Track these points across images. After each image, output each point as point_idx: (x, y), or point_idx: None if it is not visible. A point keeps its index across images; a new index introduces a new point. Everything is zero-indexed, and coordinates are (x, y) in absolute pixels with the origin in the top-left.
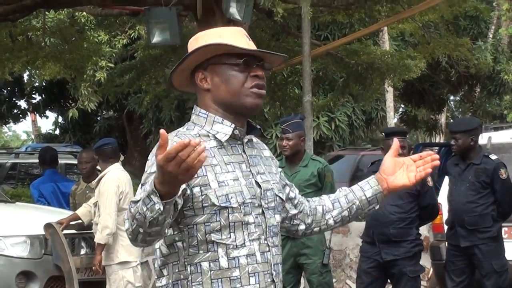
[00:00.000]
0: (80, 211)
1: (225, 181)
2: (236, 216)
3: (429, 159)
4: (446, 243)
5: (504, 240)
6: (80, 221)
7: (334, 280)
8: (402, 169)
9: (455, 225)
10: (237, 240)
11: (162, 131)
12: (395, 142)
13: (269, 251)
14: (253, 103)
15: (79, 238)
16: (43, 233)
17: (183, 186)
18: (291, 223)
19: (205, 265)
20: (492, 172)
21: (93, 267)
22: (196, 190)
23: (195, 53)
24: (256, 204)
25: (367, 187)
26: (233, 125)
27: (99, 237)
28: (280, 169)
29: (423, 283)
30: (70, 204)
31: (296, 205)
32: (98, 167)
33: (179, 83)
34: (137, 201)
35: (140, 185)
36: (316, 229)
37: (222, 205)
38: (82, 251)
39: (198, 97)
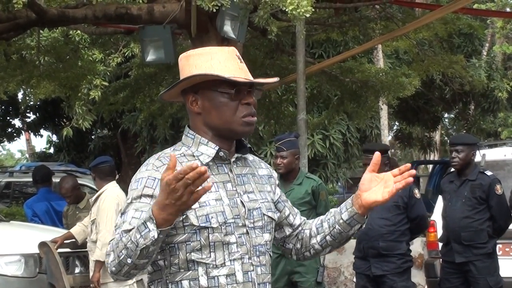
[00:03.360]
0: (74, 230)
1: (206, 201)
2: (216, 236)
3: (406, 175)
4: (441, 260)
5: (498, 257)
6: (74, 239)
7: None
8: (379, 185)
9: (450, 241)
10: (217, 259)
11: (172, 154)
12: (375, 156)
13: (253, 270)
14: (244, 131)
15: (74, 256)
16: (38, 251)
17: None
18: (284, 245)
19: (185, 283)
20: (488, 188)
21: (92, 285)
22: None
23: (187, 80)
24: (240, 224)
25: (344, 210)
26: (217, 147)
27: (99, 255)
28: (279, 191)
29: None
30: (63, 224)
31: (293, 228)
32: (86, 184)
33: (168, 97)
34: (129, 230)
35: (120, 214)
36: (307, 253)
37: (201, 225)
38: (77, 270)
39: (189, 117)
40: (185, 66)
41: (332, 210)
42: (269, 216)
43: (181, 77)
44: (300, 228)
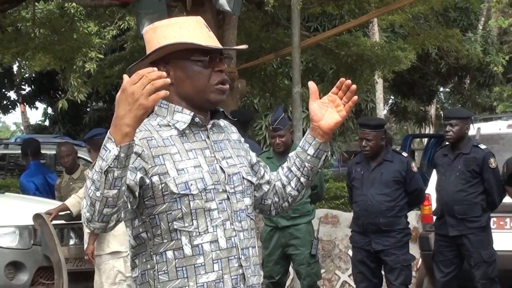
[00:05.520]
0: (69, 202)
1: (185, 169)
2: (197, 203)
3: (345, 88)
4: (435, 233)
5: (492, 231)
6: (68, 211)
7: (323, 270)
8: (329, 109)
9: (444, 215)
10: (200, 227)
11: (124, 75)
12: (311, 87)
13: (236, 236)
14: (217, 99)
15: (68, 228)
16: (32, 223)
17: (140, 175)
18: (263, 203)
19: (169, 254)
20: (482, 161)
21: (86, 257)
22: (155, 179)
23: (159, 51)
24: (220, 190)
25: (307, 146)
26: (192, 113)
27: None
28: (252, 153)
29: (413, 273)
30: (56, 198)
31: (269, 184)
32: (85, 157)
33: (136, 70)
34: (93, 167)
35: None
36: (285, 204)
37: (181, 192)
38: (71, 242)
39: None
40: (152, 38)
41: (291, 155)
42: (248, 180)
43: (148, 50)
44: (273, 182)
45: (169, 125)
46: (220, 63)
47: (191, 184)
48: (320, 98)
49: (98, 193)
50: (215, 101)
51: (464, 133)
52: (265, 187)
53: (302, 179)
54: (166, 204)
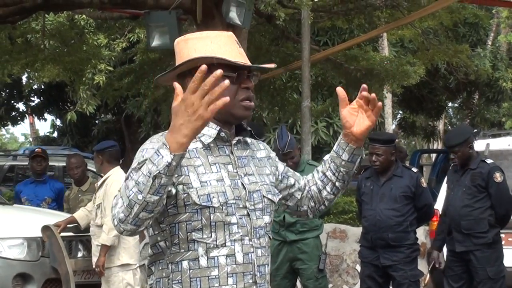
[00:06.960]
0: (77, 215)
1: (207, 181)
2: (217, 215)
3: (366, 97)
4: (445, 248)
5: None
6: (77, 224)
7: (331, 285)
8: (359, 114)
9: (452, 230)
10: (218, 239)
11: (175, 83)
12: (340, 93)
13: (253, 252)
14: (243, 114)
15: (76, 240)
16: (41, 235)
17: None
18: (299, 209)
19: (185, 264)
20: (487, 176)
21: (96, 269)
22: (180, 188)
23: (188, 63)
24: (241, 205)
25: (341, 152)
26: (218, 128)
27: (105, 239)
28: (281, 166)
29: None
30: (64, 209)
31: (302, 190)
32: (94, 169)
33: (164, 80)
34: (138, 168)
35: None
36: (322, 207)
37: (203, 204)
38: (79, 254)
39: None
40: (183, 50)
41: (325, 158)
42: (269, 199)
43: (178, 61)
44: (307, 188)
45: (195, 138)
46: (247, 80)
47: (213, 197)
48: (330, 110)
49: (140, 196)
50: (240, 116)
51: (469, 153)
52: (298, 195)
53: (337, 184)
54: (187, 214)
